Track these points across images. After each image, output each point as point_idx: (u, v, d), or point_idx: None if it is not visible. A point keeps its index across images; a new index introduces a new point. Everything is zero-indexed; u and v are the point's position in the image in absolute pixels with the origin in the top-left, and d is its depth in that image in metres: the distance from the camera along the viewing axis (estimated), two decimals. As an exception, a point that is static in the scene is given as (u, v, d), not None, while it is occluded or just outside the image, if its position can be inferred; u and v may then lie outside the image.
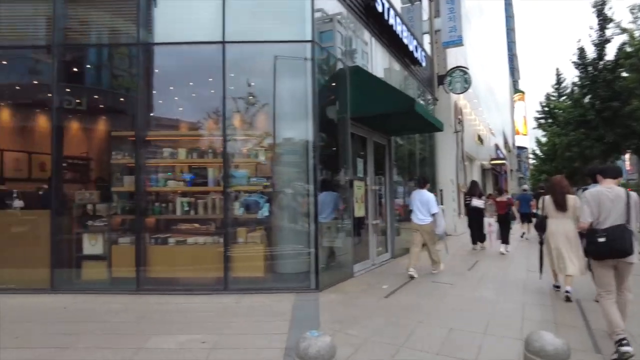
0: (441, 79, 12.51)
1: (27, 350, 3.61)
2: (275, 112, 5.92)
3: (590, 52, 15.37)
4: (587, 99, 15.73)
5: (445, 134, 13.44)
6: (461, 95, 14.95)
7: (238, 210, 5.67)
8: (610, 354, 3.40)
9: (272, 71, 5.83)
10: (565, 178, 5.76)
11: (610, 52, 15.02)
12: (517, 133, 60.16)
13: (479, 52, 24.54)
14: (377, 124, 7.19)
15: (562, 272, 5.34)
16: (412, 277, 6.33)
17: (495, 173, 26.13)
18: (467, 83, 12.17)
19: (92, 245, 5.78)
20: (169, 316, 4.49)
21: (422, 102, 11.80)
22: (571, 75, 17.88)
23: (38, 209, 5.76)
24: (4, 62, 6.15)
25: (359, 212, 6.86)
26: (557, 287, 5.67)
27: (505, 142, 41.95)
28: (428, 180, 7.33)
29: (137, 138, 5.66)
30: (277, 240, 5.81)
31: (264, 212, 5.71)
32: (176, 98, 6.22)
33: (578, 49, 15.66)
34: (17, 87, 6.43)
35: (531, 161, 47.52)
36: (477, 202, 9.90)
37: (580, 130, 15.70)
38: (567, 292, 5.15)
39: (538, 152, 32.20)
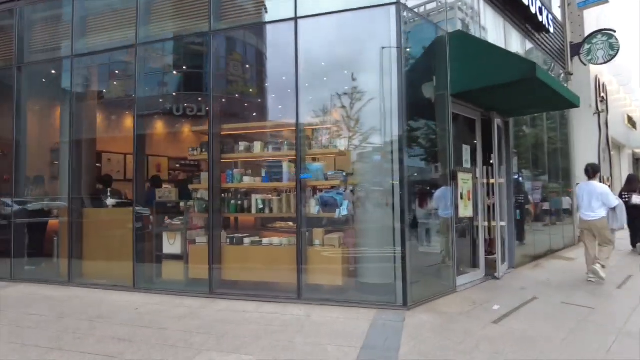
0: (576, 49, 10.16)
1: (73, 354, 3.39)
2: (354, 94, 5.04)
3: None
4: None
5: (583, 116, 11.06)
6: (604, 67, 12.18)
7: (314, 208, 4.95)
8: None
9: (349, 45, 4.98)
10: None
11: None
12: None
13: (632, 9, 20.14)
14: (489, 100, 5.79)
15: None
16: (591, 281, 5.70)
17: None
18: (613, 50, 9.66)
19: (170, 244, 5.62)
20: (230, 328, 3.96)
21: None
22: None
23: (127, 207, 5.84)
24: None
25: (465, 211, 5.61)
26: None
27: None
28: (598, 169, 6.44)
29: (211, 132, 5.31)
30: (359, 243, 4.93)
31: (342, 210, 4.88)
32: (248, 86, 5.74)
33: None
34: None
35: None
36: (637, 199, 8.31)
37: None
38: None
39: None
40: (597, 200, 5.75)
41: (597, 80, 11.46)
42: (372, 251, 4.76)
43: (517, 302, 4.74)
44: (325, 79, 5.15)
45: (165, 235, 5.64)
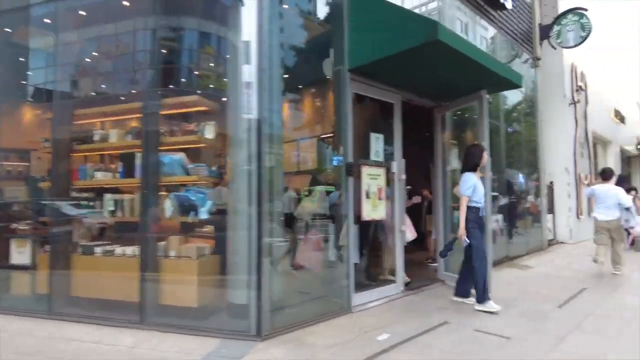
0: (546, 31, 9.13)
1: None
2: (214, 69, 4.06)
3: None
4: None
5: (557, 107, 10.04)
6: (583, 54, 11.12)
7: (167, 210, 3.97)
8: None
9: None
10: None
11: None
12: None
13: (622, 8, 19.02)
14: (401, 78, 4.79)
15: None
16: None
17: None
18: (584, 31, 8.62)
19: (19, 253, 4.65)
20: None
21: (516, 64, 8.71)
22: None
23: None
24: None
25: (373, 212, 4.61)
26: None
27: (667, 124, 33.14)
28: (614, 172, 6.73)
29: (55, 119, 4.36)
30: (220, 255, 3.94)
31: (201, 213, 3.90)
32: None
33: None
34: None
35: None
36: None
37: None
38: None
39: None
40: (611, 200, 6.16)
41: (573, 68, 10.42)
42: (234, 265, 3.76)
43: (419, 328, 3.73)
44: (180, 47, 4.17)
45: (13, 243, 4.67)
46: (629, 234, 8.30)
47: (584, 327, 3.84)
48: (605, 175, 6.60)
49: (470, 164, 4.46)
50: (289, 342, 3.36)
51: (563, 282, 5.73)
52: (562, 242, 9.90)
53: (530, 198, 8.76)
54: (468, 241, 4.28)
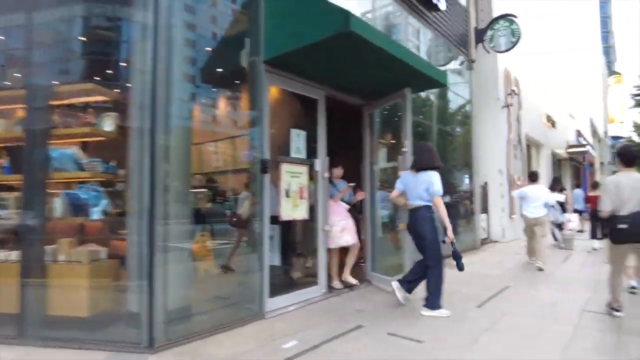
0: (480, 35, 9.39)
1: None
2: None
3: None
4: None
5: (491, 110, 10.36)
6: (516, 60, 11.58)
7: (57, 210, 3.55)
8: None
9: None
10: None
11: None
12: (612, 121, 51.84)
13: (561, 26, 20.23)
14: (322, 72, 4.63)
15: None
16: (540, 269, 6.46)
17: (575, 164, 21.45)
18: (514, 36, 8.94)
19: None
20: None
21: (452, 67, 8.86)
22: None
23: None
24: None
25: (292, 211, 4.41)
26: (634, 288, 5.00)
27: (594, 131, 35.63)
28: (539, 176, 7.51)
29: None
30: (117, 259, 3.57)
31: (95, 213, 3.51)
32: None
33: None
34: None
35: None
36: (558, 197, 9.02)
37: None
38: (633, 287, 4.99)
39: (636, 138, 26.20)
40: (538, 200, 6.85)
41: (507, 73, 10.81)
42: (129, 270, 3.41)
43: (331, 333, 3.55)
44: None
45: None
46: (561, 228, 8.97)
47: (498, 326, 3.82)
48: (533, 177, 7.33)
49: (433, 162, 4.24)
50: (184, 354, 3.06)
51: (489, 280, 5.80)
52: (495, 241, 10.21)
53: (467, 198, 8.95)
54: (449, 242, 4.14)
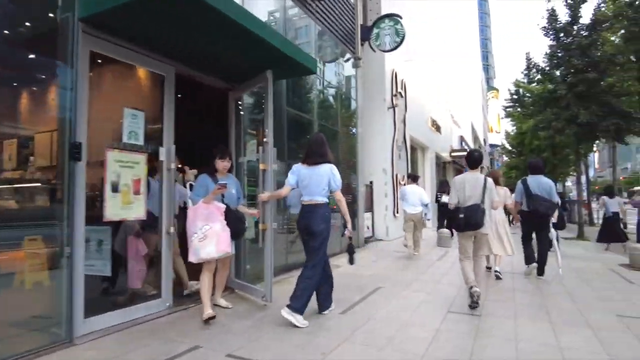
0: (366, 33, 9.35)
1: None
2: None
3: (563, 15, 12.55)
4: (558, 72, 12.82)
5: (377, 110, 10.39)
6: (404, 64, 11.91)
7: None
8: None
9: None
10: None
11: (587, 14, 12.15)
12: (491, 131, 58.30)
13: (445, 38, 21.70)
14: (180, 49, 3.91)
15: (491, 253, 5.56)
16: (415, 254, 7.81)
17: (458, 167, 23.27)
18: (398, 36, 9.04)
19: None
20: None
21: (338, 61, 8.63)
22: (543, 60, 14.45)
23: None
24: None
25: (124, 211, 3.59)
26: (489, 268, 6.18)
27: (475, 137, 39.51)
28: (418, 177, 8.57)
29: None
30: None
31: None
32: None
33: (548, 10, 12.79)
34: None
35: (504, 158, 45.18)
36: (446, 198, 9.45)
37: (549, 110, 12.80)
38: (496, 271, 5.98)
39: (507, 146, 29.42)
40: (417, 198, 7.77)
41: (394, 74, 10.99)
42: None
43: (155, 358, 2.85)
44: None
45: None
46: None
47: (357, 337, 3.45)
48: (413, 178, 8.37)
49: (327, 155, 3.92)
50: None
51: (363, 281, 5.55)
52: (380, 240, 10.29)
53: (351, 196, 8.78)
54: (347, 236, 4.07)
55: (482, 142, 47.05)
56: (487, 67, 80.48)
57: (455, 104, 24.99)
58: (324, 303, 4.04)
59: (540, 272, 5.90)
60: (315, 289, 3.87)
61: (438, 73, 19.00)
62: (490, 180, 4.54)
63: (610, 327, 3.77)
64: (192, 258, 3.67)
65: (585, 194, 17.08)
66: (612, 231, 10.08)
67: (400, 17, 9.11)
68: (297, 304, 3.63)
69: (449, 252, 8.49)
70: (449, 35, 24.18)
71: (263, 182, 4.30)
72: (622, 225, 10.41)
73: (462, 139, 25.83)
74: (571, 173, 26.05)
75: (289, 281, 5.49)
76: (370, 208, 10.23)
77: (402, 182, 11.35)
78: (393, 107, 10.70)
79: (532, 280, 5.86)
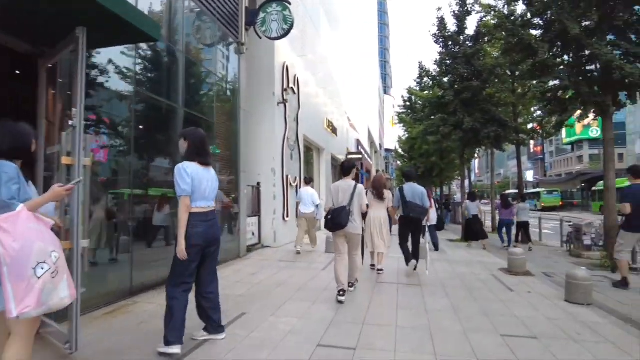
0: (252, 16, 8.38)
1: None
2: None
3: (452, 25, 12.97)
4: (446, 79, 13.24)
5: (266, 104, 9.47)
6: (298, 58, 11.19)
7: None
8: None
9: None
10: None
11: (472, 25, 12.69)
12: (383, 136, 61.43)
13: (345, 42, 21.72)
14: None
15: (376, 250, 6.51)
16: (298, 253, 8.39)
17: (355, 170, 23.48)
18: (286, 23, 8.22)
19: None
20: None
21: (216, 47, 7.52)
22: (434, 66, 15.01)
23: None
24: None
25: None
26: (374, 265, 6.80)
27: (372, 142, 40.98)
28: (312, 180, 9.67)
29: None
30: None
31: None
32: None
33: (438, 18, 13.16)
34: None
35: (398, 163, 47.62)
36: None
37: (438, 115, 13.17)
38: (379, 269, 6.62)
39: (400, 151, 30.79)
40: (309, 199, 8.52)
41: (285, 67, 10.18)
42: None
43: None
44: None
45: None
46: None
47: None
48: (307, 180, 9.06)
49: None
50: None
51: (229, 304, 4.53)
52: (267, 246, 9.39)
53: (230, 199, 7.72)
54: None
55: (378, 147, 49.17)
56: (384, 76, 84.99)
57: (352, 108, 25.29)
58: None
59: (414, 266, 6.50)
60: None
61: (336, 75, 18.81)
62: (360, 186, 5.02)
63: (494, 352, 3.30)
64: (36, 307, 2.05)
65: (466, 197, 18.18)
66: (473, 231, 10.99)
67: (289, 3, 8.31)
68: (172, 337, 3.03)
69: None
70: (348, 40, 24.38)
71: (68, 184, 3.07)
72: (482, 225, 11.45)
73: (358, 142, 26.24)
74: (456, 177, 28.09)
75: (129, 310, 4.28)
76: (257, 212, 9.28)
77: (294, 184, 10.61)
78: (284, 102, 9.88)
79: (417, 290, 5.44)
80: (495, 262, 8.19)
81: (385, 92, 74.45)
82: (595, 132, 71.44)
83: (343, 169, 5.20)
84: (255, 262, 7.47)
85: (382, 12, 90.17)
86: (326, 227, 5.02)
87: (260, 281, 5.88)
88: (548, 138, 15.01)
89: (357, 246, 5.13)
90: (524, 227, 11.53)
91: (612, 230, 8.18)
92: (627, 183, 6.46)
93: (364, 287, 5.63)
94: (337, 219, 4.75)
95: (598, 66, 8.73)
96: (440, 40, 13.17)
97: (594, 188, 41.67)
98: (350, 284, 5.27)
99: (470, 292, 5.44)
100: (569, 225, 11.70)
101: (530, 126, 14.39)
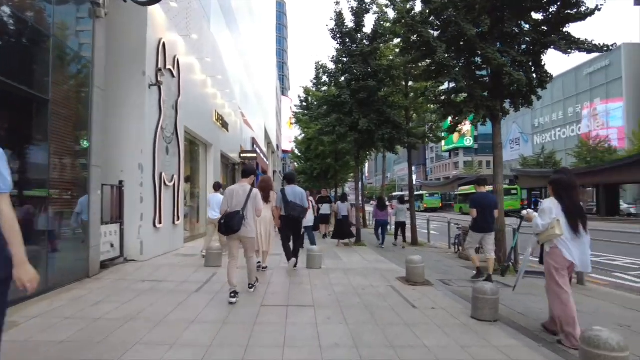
0: (112, -28, 6.64)
1: None
2: None
3: (349, 21, 12.47)
4: (343, 78, 12.68)
5: (132, 84, 7.80)
6: (177, 36, 9.54)
7: None
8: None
9: None
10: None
11: (369, 24, 12.34)
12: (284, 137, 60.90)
13: (243, 37, 20.18)
14: None
15: (261, 249, 6.83)
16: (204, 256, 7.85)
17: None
18: (159, -15, 6.68)
19: None
20: None
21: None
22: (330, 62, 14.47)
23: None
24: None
25: None
26: (259, 262, 6.97)
27: (269, 143, 39.88)
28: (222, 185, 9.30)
29: None
30: None
31: None
32: None
33: (336, 12, 12.56)
34: None
35: (295, 164, 47.18)
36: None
37: (334, 115, 12.55)
38: (264, 267, 7.05)
39: (297, 152, 30.16)
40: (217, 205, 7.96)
41: (161, 43, 8.52)
42: None
43: None
44: None
45: None
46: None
47: None
48: (216, 186, 9.05)
49: None
50: None
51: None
52: (131, 260, 7.64)
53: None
54: None
55: (275, 148, 48.25)
56: (282, 77, 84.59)
57: (248, 105, 23.88)
58: None
59: (294, 263, 6.96)
60: None
61: (230, 67, 17.30)
62: (255, 190, 5.18)
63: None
64: None
65: (360, 198, 18.07)
66: (342, 230, 11.82)
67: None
68: None
69: (217, 274, 6.58)
70: (245, 33, 22.93)
71: None
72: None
73: (254, 141, 24.90)
74: (349, 179, 28.35)
75: None
76: (118, 217, 7.48)
77: (170, 183, 8.97)
78: (157, 84, 8.22)
79: (309, 315, 4.43)
80: (391, 269, 7.64)
81: (283, 94, 74.03)
82: (469, 141, 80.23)
83: (243, 172, 5.43)
84: (107, 285, 5.79)
85: (281, 13, 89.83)
86: (219, 231, 5.12)
87: (102, 315, 4.33)
88: (438, 142, 15.45)
89: (252, 249, 5.31)
90: (401, 226, 12.79)
91: (498, 234, 8.24)
92: (474, 191, 7.53)
93: (245, 314, 4.45)
94: (229, 224, 4.91)
95: (489, 71, 8.84)
96: (338, 36, 12.56)
97: (456, 192, 46.25)
98: (251, 285, 5.46)
99: (371, 314, 4.59)
100: (457, 228, 11.96)
101: (422, 129, 14.61)
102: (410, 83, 13.78)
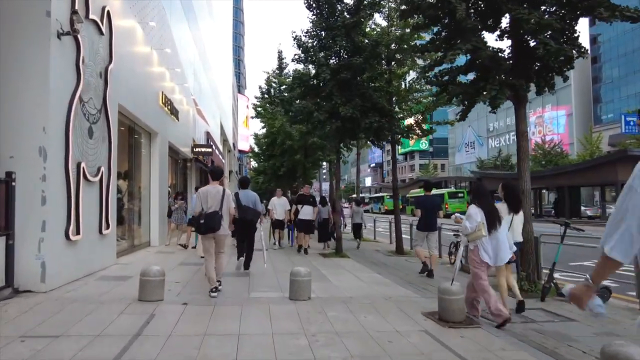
0: None
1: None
2: None
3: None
4: (322, 54, 10.55)
5: (26, 32, 5.27)
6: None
7: None
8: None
9: None
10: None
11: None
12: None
13: (194, 24, 17.56)
14: None
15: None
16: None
17: (204, 168, 19.47)
18: None
19: None
20: None
21: None
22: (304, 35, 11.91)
23: None
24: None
25: None
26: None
27: (225, 140, 36.96)
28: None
29: None
30: None
31: None
32: None
33: (313, -22, 10.47)
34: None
35: (253, 164, 44.39)
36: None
37: (310, 101, 10.42)
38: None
39: (257, 149, 27.61)
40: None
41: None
42: None
43: None
44: None
45: None
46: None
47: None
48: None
49: None
50: None
51: None
52: (26, 291, 5.09)
53: None
54: None
55: (231, 146, 45.23)
56: (238, 75, 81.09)
57: (202, 96, 21.20)
58: None
59: (247, 266, 7.17)
60: None
61: (180, 45, 14.70)
62: (228, 191, 5.61)
63: None
64: None
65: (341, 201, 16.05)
66: (325, 232, 11.76)
67: None
68: None
69: (157, 317, 4.24)
70: (200, 21, 20.26)
71: None
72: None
73: (209, 135, 22.21)
74: (312, 179, 26.25)
75: None
76: (4, 228, 4.92)
77: (94, 179, 6.43)
78: (73, 34, 5.71)
79: None
80: (405, 297, 5.64)
81: (239, 92, 70.71)
82: (424, 144, 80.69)
83: (213, 174, 5.79)
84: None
85: (238, 9, 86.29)
86: (197, 230, 5.70)
87: None
88: (426, 136, 13.76)
89: (223, 245, 5.71)
90: (358, 227, 13.17)
91: (526, 245, 6.52)
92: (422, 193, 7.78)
93: None
94: (210, 223, 5.28)
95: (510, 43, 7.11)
96: (313, 5, 10.41)
97: (407, 195, 45.64)
98: (214, 290, 5.32)
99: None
100: (454, 235, 10.21)
101: (406, 122, 12.80)
102: (393, 64, 11.72)
